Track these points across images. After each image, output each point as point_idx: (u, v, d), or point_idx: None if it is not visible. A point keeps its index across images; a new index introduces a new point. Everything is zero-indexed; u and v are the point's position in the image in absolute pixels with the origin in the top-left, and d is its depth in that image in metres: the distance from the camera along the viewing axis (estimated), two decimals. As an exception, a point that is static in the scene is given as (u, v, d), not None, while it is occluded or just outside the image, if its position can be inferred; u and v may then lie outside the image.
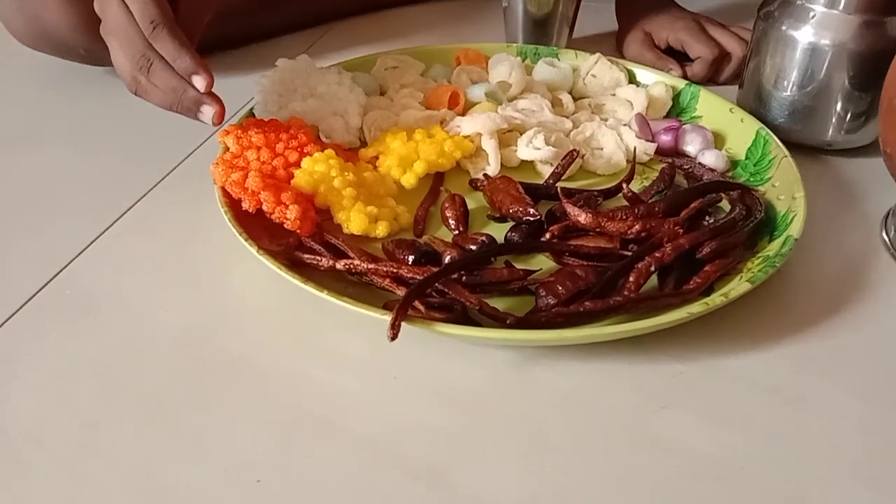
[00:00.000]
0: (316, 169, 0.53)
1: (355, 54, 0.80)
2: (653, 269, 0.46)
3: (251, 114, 0.61)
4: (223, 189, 0.51)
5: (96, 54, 0.74)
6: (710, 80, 0.75)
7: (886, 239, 0.54)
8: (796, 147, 0.60)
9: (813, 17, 0.60)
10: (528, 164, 0.60)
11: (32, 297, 0.49)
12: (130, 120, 0.70)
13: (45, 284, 0.50)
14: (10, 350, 0.45)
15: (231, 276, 0.51)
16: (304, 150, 0.55)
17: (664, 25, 0.78)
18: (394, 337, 0.40)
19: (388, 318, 0.41)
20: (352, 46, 0.84)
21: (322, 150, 0.55)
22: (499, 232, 0.52)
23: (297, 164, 0.54)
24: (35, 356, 0.45)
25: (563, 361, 0.44)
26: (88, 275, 0.51)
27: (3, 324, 0.47)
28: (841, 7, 0.58)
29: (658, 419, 0.41)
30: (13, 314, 0.48)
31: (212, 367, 0.44)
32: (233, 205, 0.51)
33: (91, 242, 0.54)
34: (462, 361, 0.44)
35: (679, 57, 0.77)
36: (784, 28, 0.61)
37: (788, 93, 0.62)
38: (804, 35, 0.60)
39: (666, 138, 0.62)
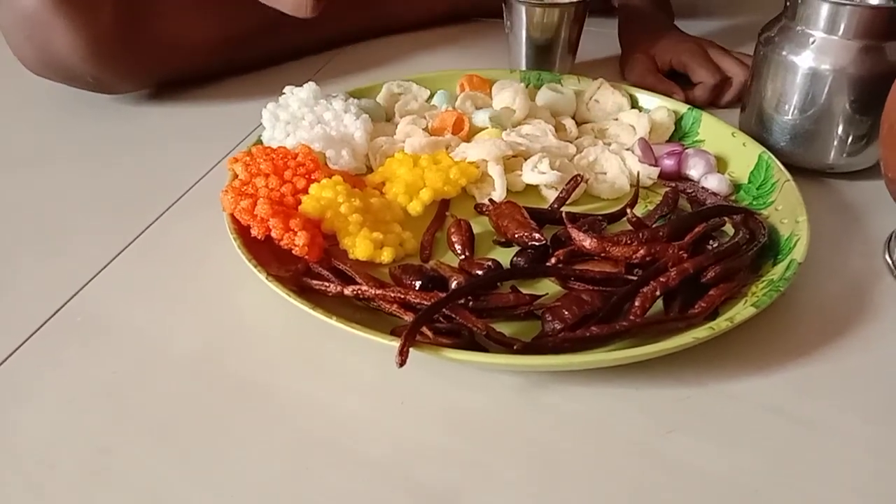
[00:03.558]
0: (323, 195, 0.54)
1: (360, 80, 0.81)
2: (658, 293, 0.46)
3: (259, 141, 0.62)
4: (232, 216, 0.52)
5: (104, 82, 0.76)
6: (711, 103, 0.76)
7: (890, 261, 0.55)
8: (798, 170, 0.61)
9: (813, 42, 0.60)
10: (532, 189, 0.61)
11: (45, 323, 0.49)
12: (139, 146, 0.71)
13: (58, 310, 0.50)
14: (23, 375, 0.46)
15: (240, 301, 0.51)
16: (312, 177, 0.55)
17: (667, 49, 0.79)
18: (402, 363, 0.40)
19: (396, 344, 0.41)
20: (357, 72, 0.85)
21: (329, 177, 0.55)
22: (504, 256, 0.53)
23: (305, 191, 0.55)
24: (47, 381, 0.45)
25: (570, 386, 0.44)
26: (100, 300, 0.52)
27: (16, 349, 0.47)
28: (840, 33, 0.59)
29: (666, 443, 0.41)
30: (26, 340, 0.48)
31: (221, 391, 0.44)
32: (242, 231, 0.51)
33: (103, 268, 0.54)
34: (469, 386, 0.45)
35: (681, 81, 0.78)
36: (784, 53, 0.62)
37: (790, 117, 0.63)
38: (804, 60, 0.61)
39: (669, 163, 0.63)
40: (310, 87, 0.65)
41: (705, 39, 0.80)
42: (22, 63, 0.74)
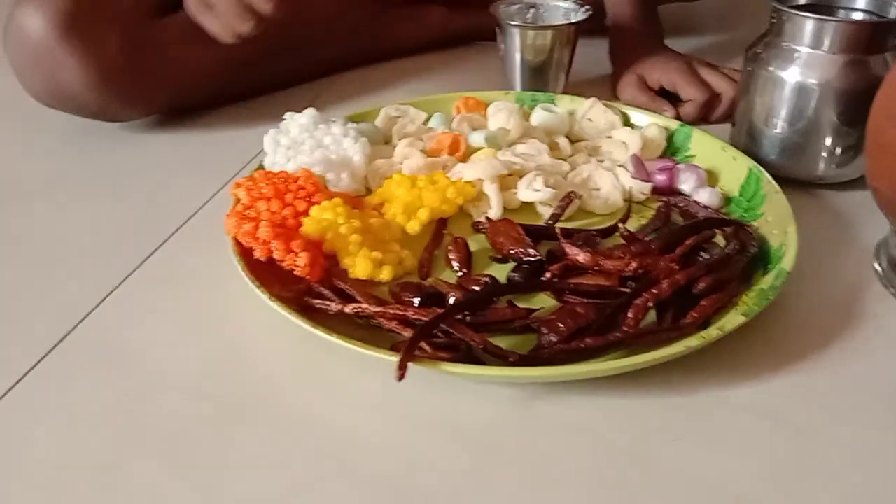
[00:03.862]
0: (324, 217, 0.55)
1: (359, 104, 0.83)
2: (651, 304, 0.48)
3: (261, 166, 0.64)
4: (236, 239, 0.53)
5: (108, 110, 0.78)
6: (702, 119, 0.78)
7: (878, 269, 0.56)
8: (788, 182, 0.62)
9: (799, 57, 0.62)
10: (528, 206, 0.62)
11: (56, 346, 0.51)
12: (143, 173, 0.73)
13: (68, 333, 0.52)
14: (36, 396, 0.47)
15: (244, 321, 0.52)
16: (313, 200, 0.57)
17: (656, 68, 0.81)
18: (401, 377, 0.42)
19: (395, 359, 0.42)
20: (355, 97, 0.87)
21: (330, 199, 0.57)
22: (501, 272, 0.54)
23: (307, 213, 0.56)
24: (58, 402, 0.47)
25: (566, 397, 0.45)
26: (109, 323, 0.53)
27: (28, 371, 0.49)
28: (825, 48, 0.61)
29: (661, 450, 0.42)
30: (38, 362, 0.50)
31: (227, 409, 0.46)
32: (245, 254, 0.53)
33: (111, 292, 0.56)
34: (469, 399, 0.46)
35: (672, 98, 0.80)
36: (771, 69, 0.63)
37: (778, 130, 0.65)
38: (791, 75, 0.62)
39: (661, 178, 0.64)
40: (309, 112, 0.66)
41: (695, 57, 0.82)
42: (29, 93, 0.76)
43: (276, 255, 0.52)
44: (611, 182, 0.63)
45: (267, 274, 0.52)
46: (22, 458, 0.43)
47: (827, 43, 0.61)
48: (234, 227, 0.53)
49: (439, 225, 0.60)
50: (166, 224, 0.64)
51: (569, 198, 0.60)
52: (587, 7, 0.80)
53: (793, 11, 0.61)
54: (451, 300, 0.50)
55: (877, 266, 0.56)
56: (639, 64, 0.82)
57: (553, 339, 0.46)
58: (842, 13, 0.67)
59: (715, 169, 0.65)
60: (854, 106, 0.61)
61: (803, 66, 0.62)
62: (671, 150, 0.69)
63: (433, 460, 0.42)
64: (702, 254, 0.53)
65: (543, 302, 0.51)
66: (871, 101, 0.54)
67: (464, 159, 0.67)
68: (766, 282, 0.50)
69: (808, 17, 0.61)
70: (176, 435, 0.44)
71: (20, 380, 0.48)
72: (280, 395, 0.47)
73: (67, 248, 0.62)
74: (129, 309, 0.55)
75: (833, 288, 0.54)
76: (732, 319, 0.46)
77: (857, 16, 0.66)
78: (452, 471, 0.41)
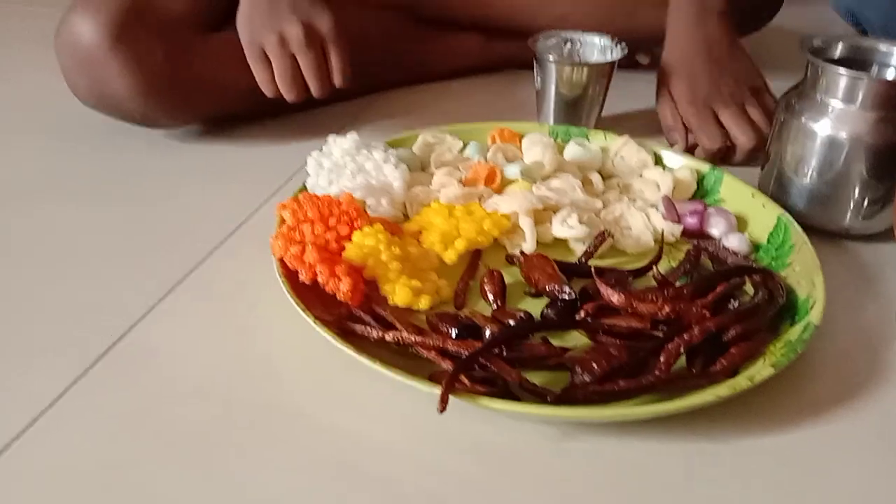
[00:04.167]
0: (366, 243, 0.57)
1: (396, 125, 0.86)
2: (682, 350, 0.49)
3: (304, 188, 0.65)
4: (281, 260, 0.55)
5: (151, 118, 0.80)
6: (720, 160, 0.79)
7: (902, 324, 0.57)
8: (815, 231, 0.64)
9: (832, 111, 0.64)
10: (561, 241, 0.64)
11: (104, 354, 0.53)
12: (187, 182, 0.76)
13: (115, 343, 0.54)
14: (84, 404, 0.49)
15: (283, 340, 0.54)
16: (355, 225, 0.59)
17: (683, 98, 0.80)
18: (443, 410, 0.43)
19: (437, 390, 0.44)
20: (393, 117, 0.89)
21: (371, 225, 0.59)
22: (534, 307, 0.56)
23: (348, 238, 0.58)
24: (102, 414, 0.48)
25: (596, 436, 0.47)
26: (154, 334, 0.55)
27: (77, 379, 0.51)
28: (858, 103, 0.62)
29: (686, 495, 0.44)
30: (82, 374, 0.51)
31: (263, 426, 0.48)
32: (289, 275, 0.54)
33: (155, 304, 0.58)
34: (502, 432, 0.47)
35: None
36: (804, 120, 0.65)
37: (808, 180, 0.66)
38: (823, 128, 0.64)
39: (691, 221, 0.66)
40: (352, 137, 0.68)
41: (739, 87, 0.80)
42: (74, 94, 0.79)
43: (319, 279, 0.54)
44: (642, 222, 0.65)
45: (309, 295, 0.54)
46: (70, 463, 0.45)
47: (860, 98, 0.62)
48: (281, 249, 0.55)
49: (474, 255, 0.62)
50: (210, 237, 0.66)
51: (602, 236, 0.61)
52: (623, 45, 0.82)
53: (828, 65, 0.63)
54: (488, 333, 0.51)
55: (900, 321, 0.58)
56: (676, 84, 0.81)
57: (587, 378, 0.47)
58: (876, 67, 0.68)
59: (744, 215, 0.67)
60: (883, 161, 0.63)
61: (835, 120, 0.63)
62: (701, 192, 0.71)
63: (461, 488, 0.44)
64: (732, 301, 0.55)
65: (576, 340, 0.53)
66: (900, 157, 0.56)
67: (499, 190, 0.68)
68: (794, 333, 0.51)
69: (842, 72, 0.62)
70: (218, 448, 0.46)
71: (70, 387, 0.50)
72: (318, 416, 0.48)
73: (112, 257, 0.64)
74: (173, 322, 0.56)
75: (857, 340, 0.56)
76: (761, 370, 0.48)
77: (891, 71, 0.68)
78: (480, 501, 0.43)
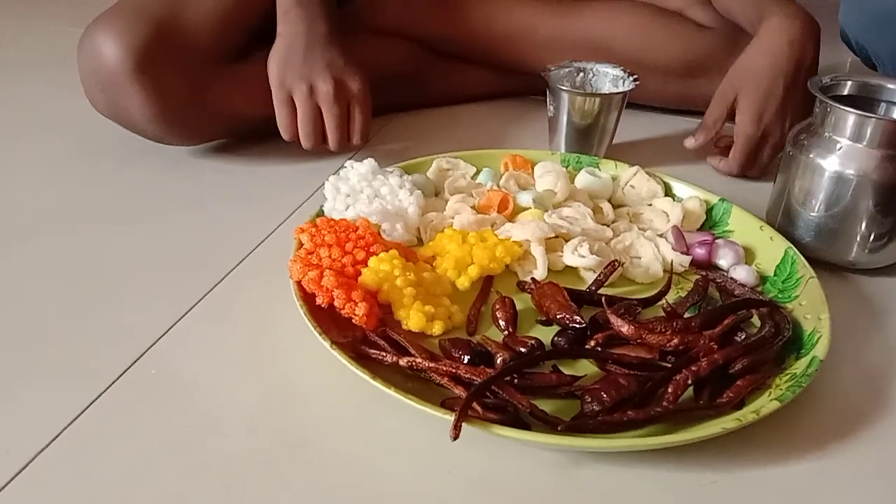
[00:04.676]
0: (381, 268, 0.58)
1: (409, 147, 0.88)
2: (689, 381, 0.50)
3: (321, 212, 0.67)
4: (299, 284, 0.56)
5: (164, 140, 0.82)
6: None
7: (906, 359, 0.58)
8: (822, 264, 0.65)
9: (839, 149, 0.65)
10: (572, 269, 0.65)
11: (120, 376, 0.54)
12: (203, 202, 0.77)
13: (132, 364, 0.55)
14: (99, 425, 0.50)
15: (298, 361, 0.55)
16: (371, 250, 0.60)
17: (747, 114, 0.80)
18: (456, 437, 0.44)
19: (450, 417, 0.45)
20: (406, 140, 0.91)
21: (386, 250, 0.60)
22: (545, 334, 0.57)
23: (364, 262, 0.59)
24: (120, 432, 0.49)
25: (604, 465, 0.48)
26: (170, 356, 0.56)
27: (93, 401, 0.52)
28: (865, 142, 0.64)
29: (693, 525, 0.45)
30: (103, 392, 0.52)
31: (279, 448, 0.49)
32: (306, 298, 0.56)
33: (173, 324, 0.59)
34: (512, 459, 0.48)
35: None
36: (812, 156, 0.66)
37: (815, 214, 0.67)
38: (830, 164, 0.65)
39: (700, 251, 0.67)
40: (369, 162, 0.70)
41: (786, 125, 0.81)
42: (92, 105, 0.80)
43: (336, 303, 0.55)
44: (652, 252, 0.66)
45: (324, 319, 0.55)
46: (85, 485, 0.46)
47: (867, 137, 0.64)
48: (299, 273, 0.56)
49: (486, 282, 0.63)
50: (226, 258, 0.67)
51: (612, 266, 0.63)
52: (635, 77, 0.84)
53: (836, 105, 0.64)
54: (499, 360, 0.53)
55: (904, 356, 0.59)
56: (750, 95, 0.80)
57: (596, 407, 0.49)
58: (883, 106, 0.70)
59: (751, 247, 0.68)
60: (889, 197, 0.64)
61: (843, 157, 0.65)
62: (710, 223, 0.72)
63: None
64: (739, 333, 0.56)
65: (586, 368, 0.54)
66: (906, 194, 0.57)
67: (511, 218, 0.70)
68: (800, 367, 0.52)
69: (851, 112, 0.64)
70: (228, 469, 0.47)
71: (86, 409, 0.51)
72: (328, 438, 0.49)
73: (128, 277, 0.65)
74: (190, 343, 0.58)
75: (861, 374, 0.57)
76: (767, 404, 0.49)
77: (897, 114, 0.69)
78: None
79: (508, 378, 0.50)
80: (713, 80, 0.86)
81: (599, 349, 0.54)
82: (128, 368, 0.55)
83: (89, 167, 0.84)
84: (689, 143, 0.85)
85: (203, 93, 0.79)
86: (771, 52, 0.80)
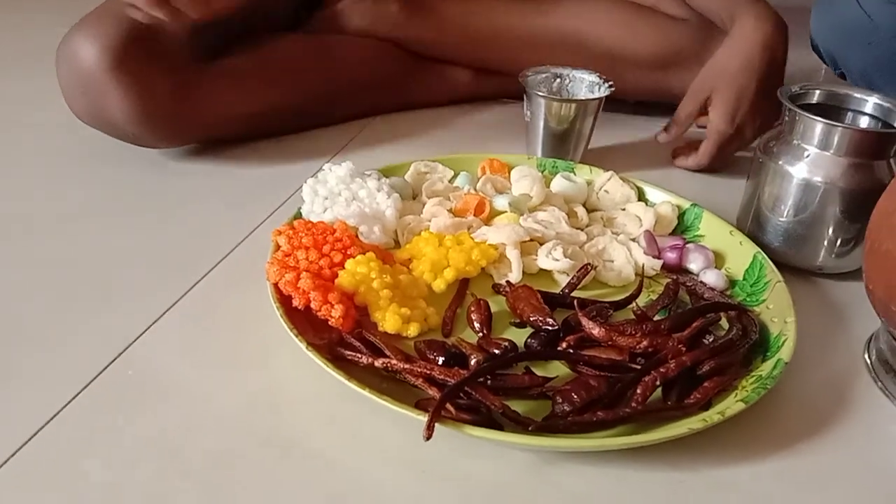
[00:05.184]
0: (358, 270, 0.59)
1: (387, 150, 0.88)
2: (658, 383, 0.51)
3: (299, 214, 0.67)
4: (276, 286, 0.57)
5: (145, 141, 0.82)
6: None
7: (868, 361, 0.60)
8: (789, 268, 0.67)
9: (807, 156, 0.66)
10: (546, 272, 0.66)
11: (96, 377, 0.54)
12: (180, 204, 0.77)
13: (108, 365, 0.55)
14: (77, 426, 0.50)
15: (275, 363, 0.56)
16: (348, 252, 0.61)
17: (720, 115, 0.83)
18: (429, 437, 0.45)
19: (423, 418, 0.46)
20: (384, 143, 0.92)
21: (363, 253, 0.61)
22: (518, 336, 0.58)
23: (342, 265, 0.60)
24: (96, 435, 0.50)
25: (575, 465, 0.49)
26: (147, 357, 0.56)
27: (69, 402, 0.52)
28: (832, 150, 0.65)
29: (659, 523, 0.46)
30: (77, 394, 0.52)
31: (253, 448, 0.49)
32: (283, 300, 0.56)
33: (150, 325, 0.59)
34: (485, 459, 0.49)
35: None
36: (781, 163, 0.68)
37: (784, 219, 0.69)
38: (799, 171, 0.67)
39: (671, 255, 0.68)
40: (347, 165, 0.70)
41: (738, 90, 0.83)
42: (71, 110, 0.80)
43: (313, 305, 0.56)
44: (624, 256, 0.68)
45: (301, 320, 0.56)
46: (67, 485, 0.46)
47: (835, 145, 0.65)
48: (276, 275, 0.57)
49: (462, 284, 0.64)
50: (204, 259, 0.67)
51: (585, 269, 0.64)
52: (611, 83, 0.85)
53: (804, 114, 0.66)
54: (473, 362, 0.53)
55: (867, 358, 0.60)
56: (724, 95, 0.83)
57: (567, 408, 0.50)
58: (850, 115, 0.72)
59: (721, 251, 0.69)
60: (856, 204, 0.66)
61: (811, 164, 0.66)
62: (682, 227, 0.74)
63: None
64: (707, 336, 0.57)
65: (558, 370, 0.55)
66: (872, 201, 0.59)
67: (487, 221, 0.71)
68: (765, 369, 0.54)
69: (818, 120, 0.65)
70: (209, 471, 0.47)
71: (61, 410, 0.51)
72: (306, 438, 0.50)
73: (106, 278, 0.65)
74: (167, 344, 0.58)
75: (825, 376, 0.58)
76: (733, 405, 0.50)
77: (865, 120, 0.71)
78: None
79: (482, 379, 0.51)
80: (689, 70, 0.89)
81: (571, 351, 0.55)
82: (105, 369, 0.55)
83: (66, 169, 0.84)
84: (662, 137, 0.88)
85: (182, 90, 0.80)
86: (744, 53, 0.83)
